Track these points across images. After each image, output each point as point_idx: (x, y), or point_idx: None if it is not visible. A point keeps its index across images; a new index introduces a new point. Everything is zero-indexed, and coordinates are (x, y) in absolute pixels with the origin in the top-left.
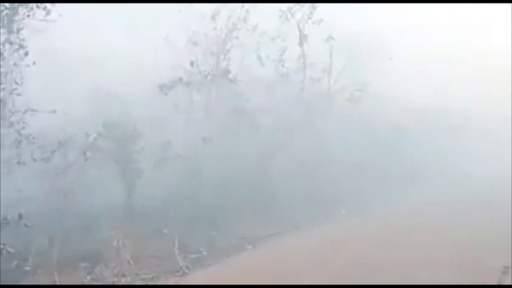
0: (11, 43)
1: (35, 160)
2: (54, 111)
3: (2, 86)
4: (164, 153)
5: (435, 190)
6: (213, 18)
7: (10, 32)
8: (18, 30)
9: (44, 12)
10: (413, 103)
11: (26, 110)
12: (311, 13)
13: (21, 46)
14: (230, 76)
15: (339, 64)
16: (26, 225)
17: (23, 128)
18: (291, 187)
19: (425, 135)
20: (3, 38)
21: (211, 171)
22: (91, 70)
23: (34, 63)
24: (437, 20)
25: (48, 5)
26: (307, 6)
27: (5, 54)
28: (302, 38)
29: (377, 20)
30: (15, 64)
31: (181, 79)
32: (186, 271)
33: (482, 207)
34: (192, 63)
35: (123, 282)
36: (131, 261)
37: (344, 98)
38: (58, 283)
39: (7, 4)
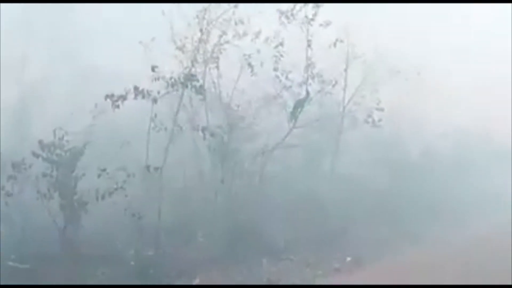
0: None
1: None
2: None
3: None
4: None
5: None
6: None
7: None
8: None
9: None
10: (448, 124)
11: None
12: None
13: None
14: (197, 84)
15: (355, 78)
16: None
17: None
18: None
19: (463, 160)
20: None
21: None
22: None
23: None
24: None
25: None
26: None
27: None
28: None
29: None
30: None
31: (136, 88)
32: None
33: None
34: (153, 68)
35: None
36: None
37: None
38: None
39: None
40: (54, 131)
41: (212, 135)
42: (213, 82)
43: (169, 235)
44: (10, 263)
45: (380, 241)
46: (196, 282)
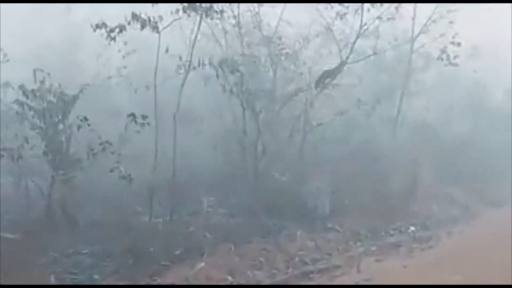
0: None
1: None
2: None
3: None
4: None
5: None
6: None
7: None
8: None
9: None
10: None
11: None
12: None
13: None
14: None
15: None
16: None
17: None
18: None
19: None
20: None
21: None
22: None
23: None
24: None
25: None
26: None
27: None
28: None
29: None
30: None
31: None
32: None
33: None
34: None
35: None
36: None
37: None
38: None
39: None
40: (34, 72)
41: (232, 71)
42: (250, 10)
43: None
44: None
45: (452, 205)
46: None
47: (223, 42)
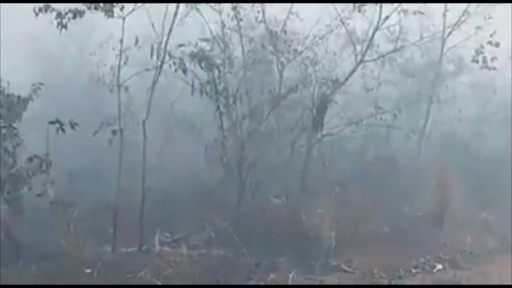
0: None
1: None
2: None
3: None
4: None
5: None
6: None
7: None
8: None
9: None
10: None
11: None
12: None
13: None
14: None
15: None
16: None
17: None
18: None
19: None
20: None
21: None
22: None
23: None
24: None
25: None
26: None
27: None
28: None
29: None
30: None
31: None
32: None
33: None
34: None
35: None
36: None
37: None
38: None
39: None
40: None
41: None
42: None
43: None
44: None
45: (487, 234)
46: None
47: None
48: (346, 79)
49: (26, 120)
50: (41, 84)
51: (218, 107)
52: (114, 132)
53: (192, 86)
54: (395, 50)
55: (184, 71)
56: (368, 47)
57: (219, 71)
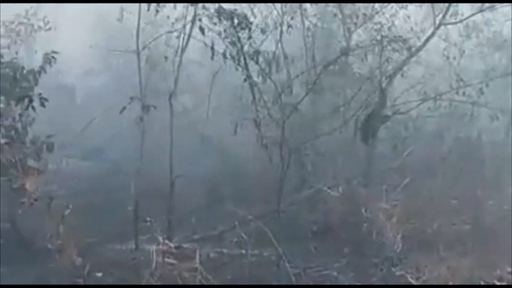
0: None
1: None
2: None
3: None
4: None
5: None
6: None
7: None
8: None
9: None
10: None
11: None
12: None
13: None
14: None
15: None
16: None
17: None
18: None
19: None
20: None
21: None
22: None
23: None
24: None
25: None
26: None
27: None
28: None
29: None
30: None
31: None
32: None
33: None
34: None
35: None
36: None
37: None
38: None
39: None
40: None
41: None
42: None
43: None
44: None
45: None
46: None
47: None
48: (424, 45)
49: None
50: (54, 52)
51: (247, 76)
52: (144, 108)
53: (212, 48)
54: (480, 10)
55: (202, 31)
56: (449, 7)
57: (249, 29)
